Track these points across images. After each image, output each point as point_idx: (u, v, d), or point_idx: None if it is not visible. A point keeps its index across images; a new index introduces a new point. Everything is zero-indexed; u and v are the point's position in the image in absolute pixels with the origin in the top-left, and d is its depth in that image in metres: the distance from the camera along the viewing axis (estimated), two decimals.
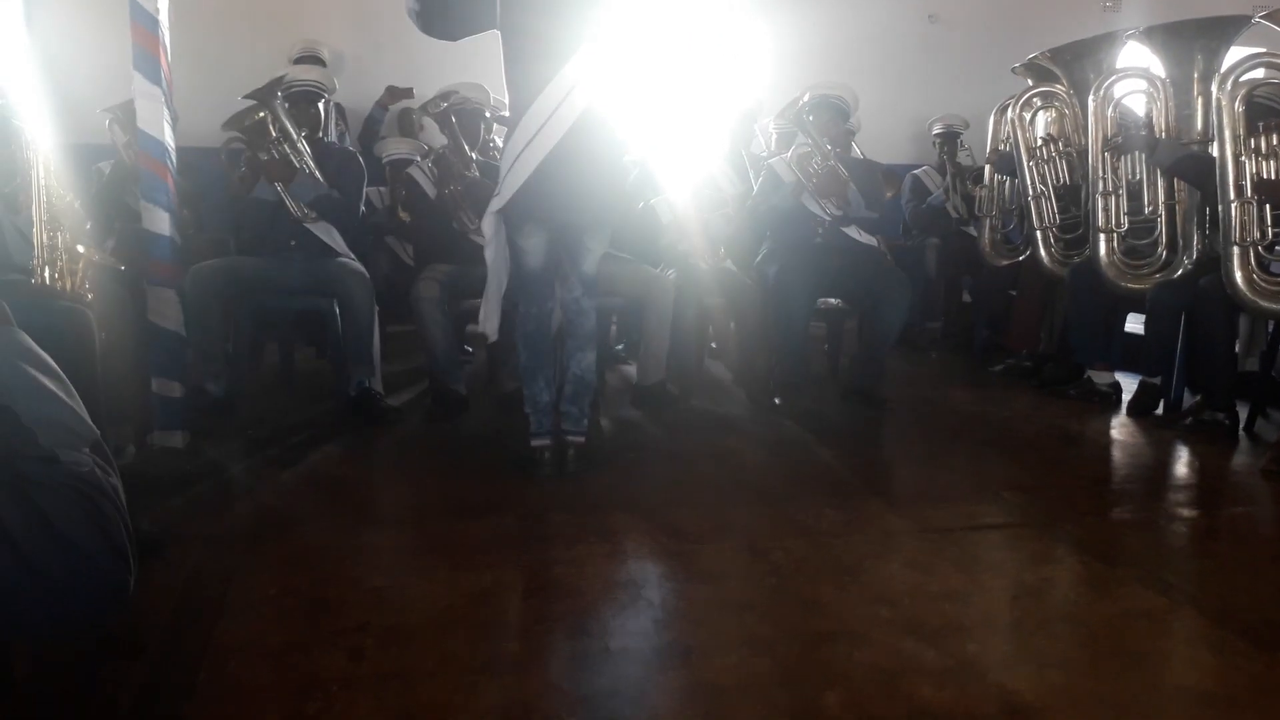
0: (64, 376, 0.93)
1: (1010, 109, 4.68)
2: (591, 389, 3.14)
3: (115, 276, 3.10)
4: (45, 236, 2.69)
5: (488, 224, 2.98)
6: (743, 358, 4.44)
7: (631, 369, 4.54)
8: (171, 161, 3.17)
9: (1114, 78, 4.13)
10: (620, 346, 5.15)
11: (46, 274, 2.68)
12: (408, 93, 5.91)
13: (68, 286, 2.73)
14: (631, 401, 4.03)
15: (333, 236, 3.83)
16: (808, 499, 2.81)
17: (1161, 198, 3.99)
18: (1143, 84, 4.10)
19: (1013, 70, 4.91)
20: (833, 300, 4.52)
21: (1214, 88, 3.52)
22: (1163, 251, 4.00)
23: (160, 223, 3.15)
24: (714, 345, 5.08)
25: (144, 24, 3.07)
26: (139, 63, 3.08)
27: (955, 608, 2.06)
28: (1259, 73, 3.45)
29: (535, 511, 2.69)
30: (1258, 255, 3.39)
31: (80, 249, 2.81)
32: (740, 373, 4.49)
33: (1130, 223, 4.04)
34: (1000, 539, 2.58)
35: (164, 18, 3.13)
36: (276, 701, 1.65)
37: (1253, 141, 3.40)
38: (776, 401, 4.01)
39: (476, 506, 2.75)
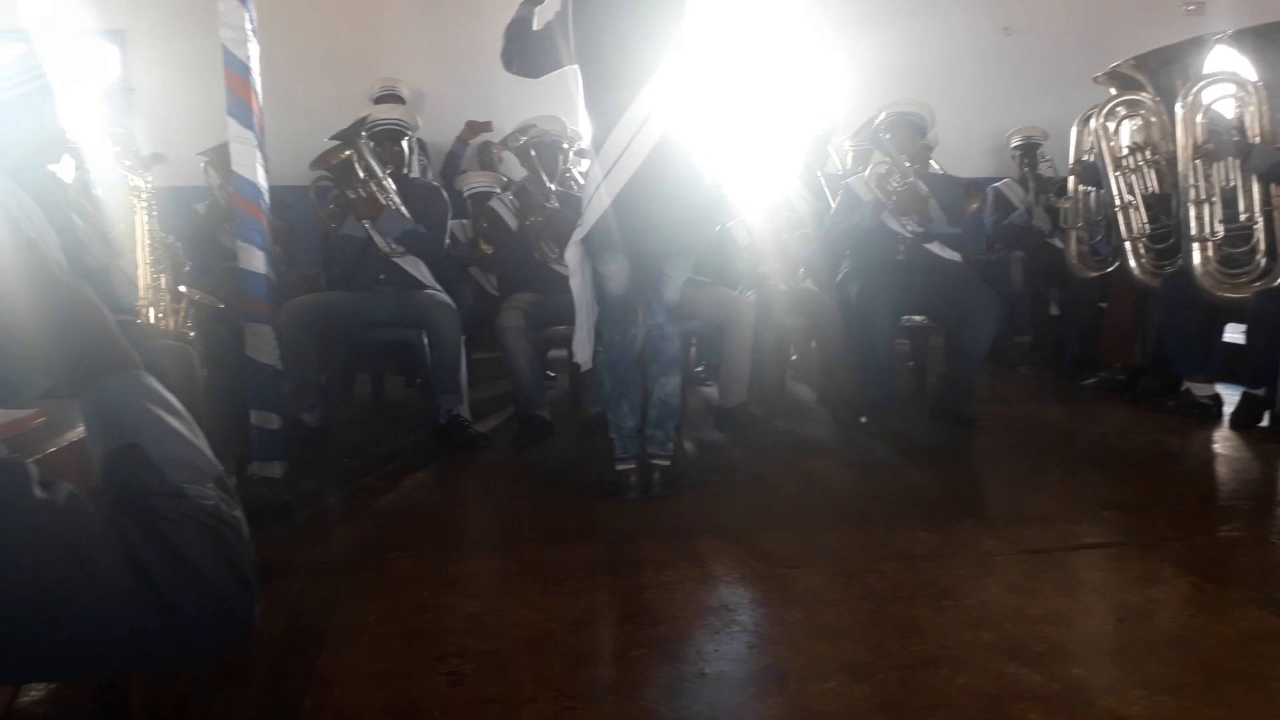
0: (187, 415, 0.96)
1: (1094, 118, 4.57)
2: (675, 413, 3.15)
3: (214, 314, 3.22)
4: (150, 278, 2.80)
5: (571, 254, 3.02)
6: (826, 378, 4.40)
7: (713, 391, 4.54)
8: (265, 202, 3.28)
9: (1203, 83, 4.01)
10: (701, 369, 5.15)
11: (151, 314, 2.79)
12: (487, 126, 6.04)
13: (171, 325, 2.83)
14: (714, 424, 4.03)
15: (420, 269, 3.92)
16: (899, 521, 2.77)
17: (1258, 204, 3.86)
18: (1233, 88, 3.98)
19: (1094, 79, 4.81)
20: (917, 318, 4.46)
21: None
22: (1261, 259, 3.86)
23: (256, 261, 3.26)
24: (794, 366, 5.05)
25: (237, 71, 3.18)
26: (233, 108, 3.20)
27: (1058, 630, 2.00)
28: None
29: (624, 536, 2.70)
30: None
31: (182, 289, 2.92)
32: (824, 393, 4.45)
33: (1225, 230, 3.92)
34: (1102, 559, 2.51)
35: (255, 65, 3.24)
36: None
37: None
38: (863, 421, 3.96)
39: (566, 531, 2.77)
